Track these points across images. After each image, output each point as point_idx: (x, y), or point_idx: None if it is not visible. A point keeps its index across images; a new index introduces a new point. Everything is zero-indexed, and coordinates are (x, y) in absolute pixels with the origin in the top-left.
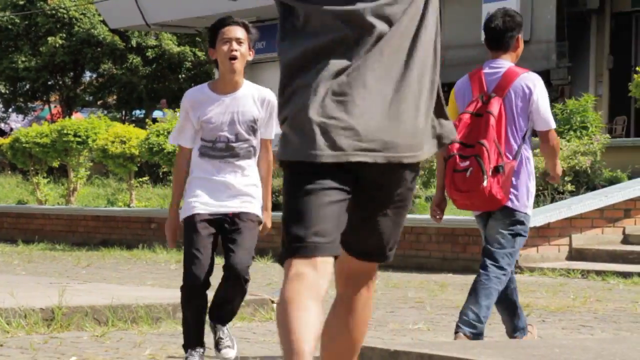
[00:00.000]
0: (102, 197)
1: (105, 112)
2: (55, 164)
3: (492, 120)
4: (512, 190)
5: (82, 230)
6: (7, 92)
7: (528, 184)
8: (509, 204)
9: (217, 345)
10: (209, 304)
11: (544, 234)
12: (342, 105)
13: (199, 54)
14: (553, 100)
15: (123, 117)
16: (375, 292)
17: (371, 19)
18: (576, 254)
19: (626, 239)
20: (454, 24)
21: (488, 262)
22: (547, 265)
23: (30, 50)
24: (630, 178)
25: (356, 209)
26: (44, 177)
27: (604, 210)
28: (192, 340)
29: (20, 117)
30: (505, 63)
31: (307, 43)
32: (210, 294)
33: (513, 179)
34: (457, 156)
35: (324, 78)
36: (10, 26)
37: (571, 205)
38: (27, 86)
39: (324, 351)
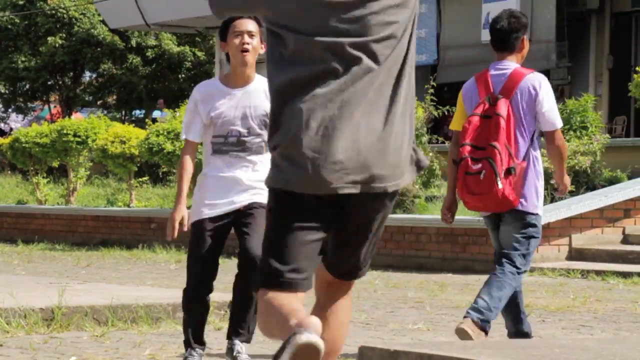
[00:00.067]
0: (102, 197)
1: (105, 112)
2: (55, 164)
3: (502, 123)
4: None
5: (82, 230)
6: (7, 92)
7: (537, 184)
8: (519, 206)
9: None
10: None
11: (543, 233)
12: (332, 139)
13: (199, 54)
14: None
15: (123, 117)
16: (375, 292)
17: (358, 53)
18: (576, 254)
19: (626, 239)
20: (454, 24)
21: (504, 260)
22: (547, 265)
23: (30, 50)
24: (630, 178)
25: (339, 233)
26: (43, 177)
27: (603, 210)
28: (192, 339)
29: (20, 117)
30: (511, 64)
31: (296, 71)
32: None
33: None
34: (469, 159)
35: (314, 109)
36: (10, 26)
37: (571, 205)
38: (27, 86)
39: None
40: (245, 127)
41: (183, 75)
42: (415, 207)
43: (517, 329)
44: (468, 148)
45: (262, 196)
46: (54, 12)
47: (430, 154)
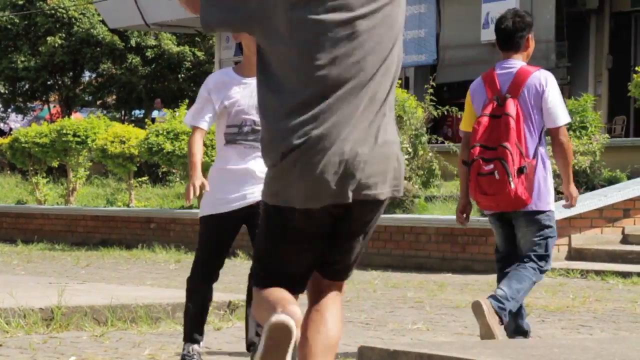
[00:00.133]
0: (102, 197)
1: (105, 112)
2: (55, 164)
3: (512, 122)
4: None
5: (82, 230)
6: (7, 92)
7: (547, 181)
8: (532, 206)
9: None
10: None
11: None
12: (330, 156)
13: (198, 53)
14: None
15: (122, 117)
16: (374, 293)
17: (347, 75)
18: (575, 254)
19: (625, 239)
20: (453, 24)
21: (524, 257)
22: None
23: (29, 50)
24: (629, 178)
25: (332, 237)
26: (43, 177)
27: (603, 210)
28: (192, 330)
29: (20, 117)
30: (517, 63)
31: (287, 94)
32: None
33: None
34: (480, 160)
35: (310, 128)
36: (9, 26)
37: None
38: (27, 86)
39: (302, 349)
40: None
41: (182, 75)
42: (415, 207)
43: (517, 324)
44: (478, 149)
45: None
46: (53, 12)
47: (430, 153)
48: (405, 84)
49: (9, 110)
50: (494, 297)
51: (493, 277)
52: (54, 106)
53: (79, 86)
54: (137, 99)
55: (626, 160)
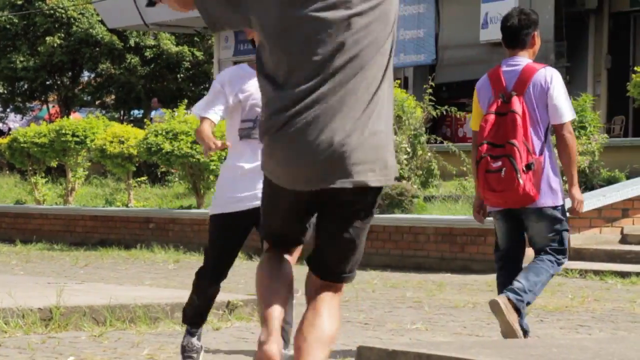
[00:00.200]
0: (100, 197)
1: (104, 112)
2: (54, 164)
3: (519, 119)
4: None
5: (80, 230)
6: (5, 92)
7: (555, 176)
8: (542, 202)
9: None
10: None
11: None
12: (320, 143)
13: (198, 53)
14: None
15: (121, 117)
16: (373, 292)
17: (342, 69)
18: (574, 254)
19: (624, 239)
20: (453, 24)
21: (540, 251)
22: None
23: (28, 50)
24: (628, 178)
25: (323, 230)
26: (42, 177)
27: (602, 210)
28: (194, 317)
29: (19, 117)
30: (523, 60)
31: (284, 86)
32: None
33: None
34: (488, 157)
35: (302, 117)
36: (8, 26)
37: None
38: (25, 86)
39: (296, 342)
40: None
41: (181, 75)
42: (414, 207)
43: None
44: (486, 146)
45: None
46: (52, 12)
47: (429, 153)
48: (404, 84)
49: (8, 110)
50: (511, 290)
51: (492, 277)
52: (53, 106)
53: (77, 86)
54: (136, 99)
55: (625, 160)
